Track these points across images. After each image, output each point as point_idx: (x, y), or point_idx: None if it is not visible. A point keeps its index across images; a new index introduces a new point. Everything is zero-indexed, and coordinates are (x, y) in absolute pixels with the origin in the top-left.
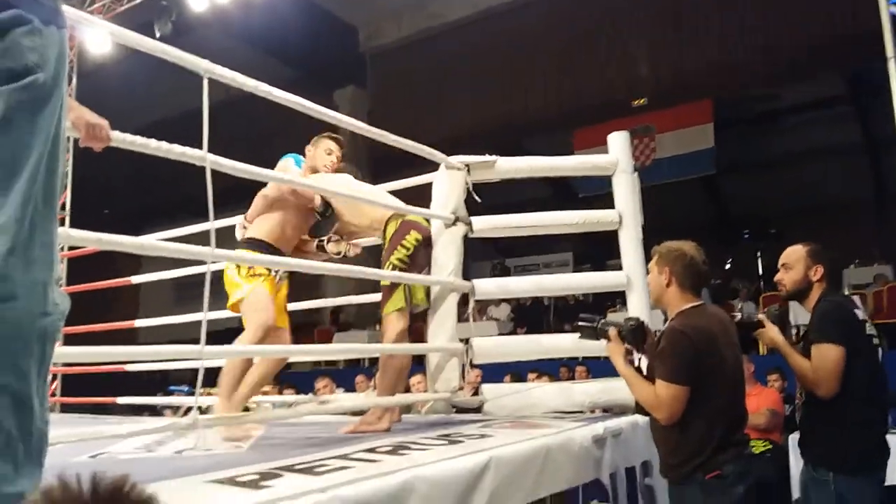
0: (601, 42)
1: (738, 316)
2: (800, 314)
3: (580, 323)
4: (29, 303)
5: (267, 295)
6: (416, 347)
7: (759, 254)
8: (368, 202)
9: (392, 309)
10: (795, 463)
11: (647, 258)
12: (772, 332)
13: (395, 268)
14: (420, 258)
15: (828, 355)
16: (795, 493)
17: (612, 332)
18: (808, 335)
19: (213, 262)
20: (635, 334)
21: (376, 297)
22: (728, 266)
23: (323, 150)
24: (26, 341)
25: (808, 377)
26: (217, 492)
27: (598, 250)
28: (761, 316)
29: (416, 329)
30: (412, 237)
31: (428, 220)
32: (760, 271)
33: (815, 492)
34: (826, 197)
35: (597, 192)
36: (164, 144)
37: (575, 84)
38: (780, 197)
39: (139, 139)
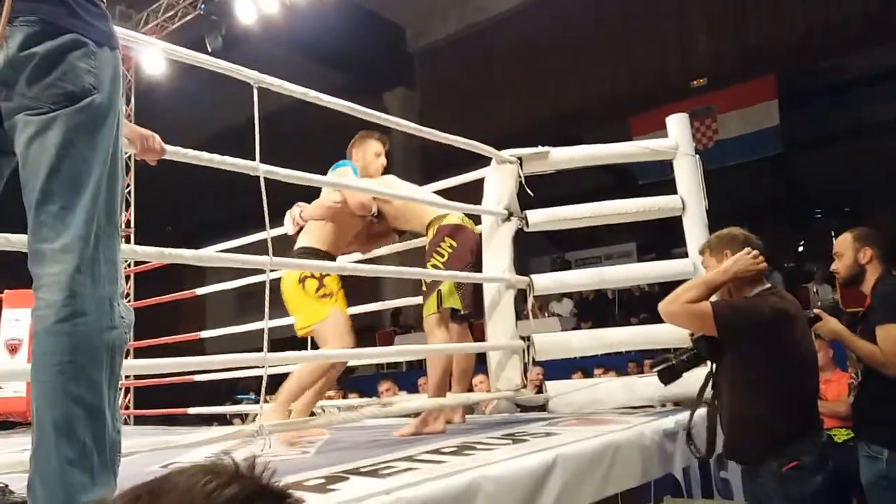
0: (654, 22)
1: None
2: None
3: (656, 370)
4: (97, 317)
5: (345, 320)
6: (475, 346)
7: (833, 234)
8: (424, 202)
9: (428, 313)
10: None
11: None
12: (830, 323)
13: None
14: (455, 263)
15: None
16: None
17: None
18: (866, 318)
19: (272, 271)
20: (692, 361)
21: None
22: (801, 248)
23: (372, 153)
24: (96, 354)
25: (878, 359)
26: None
27: (662, 239)
28: (817, 310)
29: (479, 328)
30: (446, 244)
31: (469, 217)
32: None
33: (865, 467)
34: None
35: (658, 179)
36: (216, 156)
37: (629, 69)
38: (852, 173)
39: (192, 152)
